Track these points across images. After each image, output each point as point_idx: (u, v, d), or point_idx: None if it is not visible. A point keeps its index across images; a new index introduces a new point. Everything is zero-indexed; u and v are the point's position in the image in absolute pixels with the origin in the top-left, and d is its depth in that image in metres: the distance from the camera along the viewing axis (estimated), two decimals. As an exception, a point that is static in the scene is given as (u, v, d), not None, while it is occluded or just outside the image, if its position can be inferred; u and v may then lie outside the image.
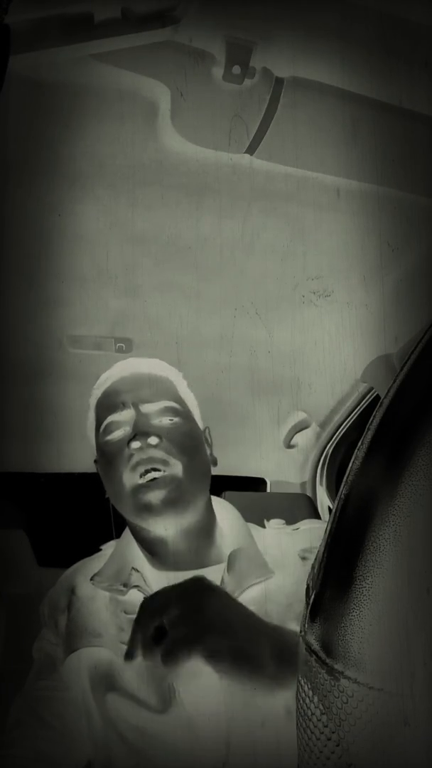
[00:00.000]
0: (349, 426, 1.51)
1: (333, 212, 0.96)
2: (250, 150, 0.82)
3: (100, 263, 1.02)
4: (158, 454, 0.79)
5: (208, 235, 0.98)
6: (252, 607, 0.75)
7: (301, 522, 0.90)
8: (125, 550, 0.87)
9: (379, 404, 0.33)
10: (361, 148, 0.82)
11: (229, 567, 0.79)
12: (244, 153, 0.83)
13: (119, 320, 1.18)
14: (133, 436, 0.79)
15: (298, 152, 0.83)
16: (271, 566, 0.80)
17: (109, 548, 0.92)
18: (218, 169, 0.86)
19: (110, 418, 0.84)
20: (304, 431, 1.56)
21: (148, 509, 0.77)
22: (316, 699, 0.31)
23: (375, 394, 1.37)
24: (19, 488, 1.74)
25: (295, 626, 0.70)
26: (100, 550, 0.93)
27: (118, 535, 0.91)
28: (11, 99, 0.73)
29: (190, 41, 0.69)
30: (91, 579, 0.85)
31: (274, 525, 0.90)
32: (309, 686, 0.31)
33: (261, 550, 0.82)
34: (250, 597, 0.76)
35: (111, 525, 0.92)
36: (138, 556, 0.85)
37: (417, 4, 0.68)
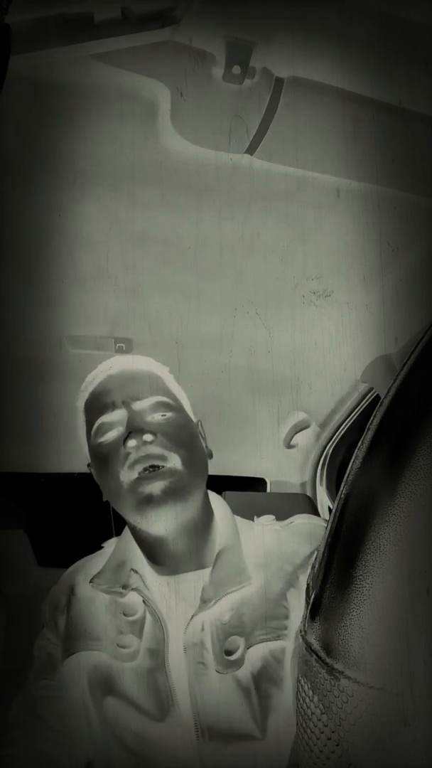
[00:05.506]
0: (349, 426, 1.51)
1: (333, 212, 0.96)
2: (250, 150, 0.82)
3: (100, 263, 1.02)
4: (155, 450, 0.77)
5: (207, 235, 0.98)
6: (228, 614, 0.75)
7: (295, 516, 0.89)
8: (124, 550, 0.86)
9: (379, 404, 0.33)
10: (361, 148, 0.82)
11: (212, 573, 0.78)
12: (244, 153, 0.83)
13: (119, 320, 1.18)
14: (128, 435, 0.77)
15: (298, 152, 0.83)
16: (250, 571, 0.78)
17: (110, 546, 0.91)
18: (218, 169, 0.86)
19: (101, 420, 0.81)
20: (304, 431, 1.56)
21: (148, 501, 0.75)
22: (316, 699, 0.31)
23: (375, 394, 1.37)
24: (19, 488, 1.74)
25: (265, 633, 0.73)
26: (102, 547, 0.93)
27: (119, 533, 0.91)
28: (11, 99, 0.73)
29: (190, 41, 0.69)
30: (91, 581, 0.84)
31: (264, 522, 0.88)
32: (309, 686, 0.31)
33: (244, 551, 0.81)
34: (228, 603, 0.76)
35: (111, 525, 0.92)
36: (137, 557, 0.84)
37: (417, 4, 0.68)
